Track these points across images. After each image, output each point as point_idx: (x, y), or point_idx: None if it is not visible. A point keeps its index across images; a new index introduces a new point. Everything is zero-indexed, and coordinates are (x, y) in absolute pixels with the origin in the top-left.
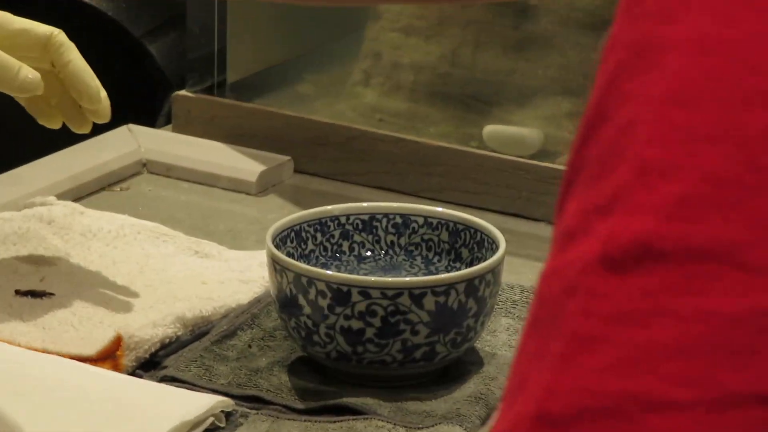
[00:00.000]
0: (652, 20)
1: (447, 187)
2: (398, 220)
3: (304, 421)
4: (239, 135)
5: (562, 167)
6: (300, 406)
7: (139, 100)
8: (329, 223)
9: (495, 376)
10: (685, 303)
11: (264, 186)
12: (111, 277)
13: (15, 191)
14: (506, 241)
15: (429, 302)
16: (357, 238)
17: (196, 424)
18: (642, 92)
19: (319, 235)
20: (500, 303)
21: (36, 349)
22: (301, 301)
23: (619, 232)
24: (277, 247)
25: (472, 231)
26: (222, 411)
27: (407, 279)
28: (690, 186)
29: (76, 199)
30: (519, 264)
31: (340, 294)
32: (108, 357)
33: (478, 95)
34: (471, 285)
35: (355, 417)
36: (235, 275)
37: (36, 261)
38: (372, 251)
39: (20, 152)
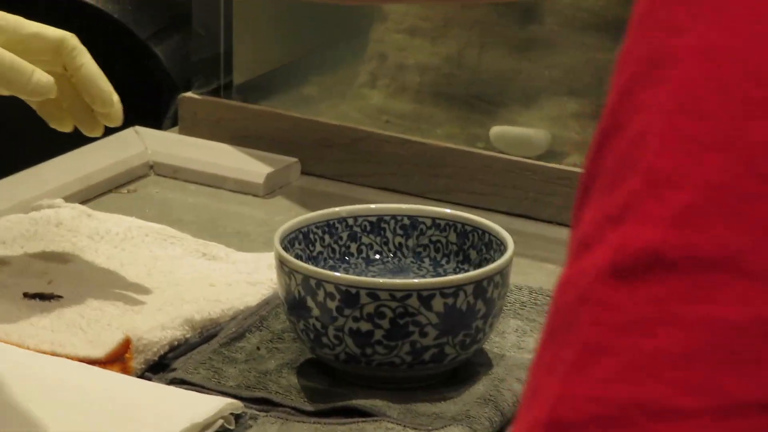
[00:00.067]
0: (662, 32)
1: (454, 189)
2: (406, 221)
3: (314, 423)
4: (246, 137)
5: (569, 168)
6: (309, 408)
7: (144, 102)
8: (337, 224)
9: (504, 378)
10: (691, 311)
11: (271, 188)
12: (119, 279)
13: (22, 193)
14: (514, 242)
15: (438, 304)
16: (365, 239)
17: (206, 426)
18: (652, 103)
19: (327, 236)
20: (508, 304)
21: (44, 352)
22: (310, 303)
23: (629, 241)
24: (285, 249)
25: (480, 232)
26: (231, 413)
27: (416, 281)
28: (697, 195)
29: (84, 202)
30: (526, 265)
31: (349, 296)
32: (116, 359)
33: (483, 96)
34: (479, 286)
35: (364, 419)
36: (243, 277)
37: (44, 263)
38: (380, 253)
39: (27, 155)
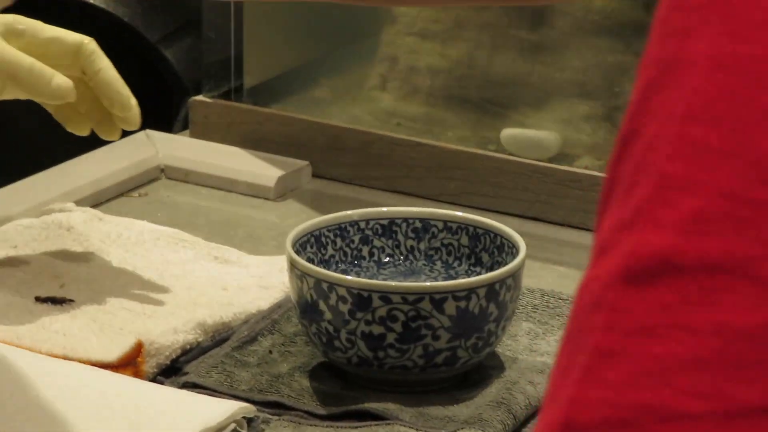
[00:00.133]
0: (676, 37)
1: (465, 191)
2: (418, 224)
3: (326, 426)
4: (257, 140)
5: (580, 170)
6: (322, 411)
7: (154, 106)
8: (349, 228)
9: (516, 381)
10: (699, 316)
11: (282, 191)
12: (131, 283)
13: (33, 198)
14: (525, 244)
15: (450, 307)
16: (377, 243)
17: (218, 430)
18: (664, 108)
19: (338, 240)
20: (520, 307)
21: (56, 356)
22: (322, 306)
23: (640, 247)
24: (297, 252)
25: (492, 235)
26: (243, 417)
27: (428, 284)
28: (707, 201)
29: (95, 206)
30: (538, 267)
31: (361, 299)
32: (129, 363)
33: (494, 99)
34: (492, 289)
35: (376, 422)
36: (255, 281)
37: (55, 268)
38: (392, 256)
39: (38, 159)
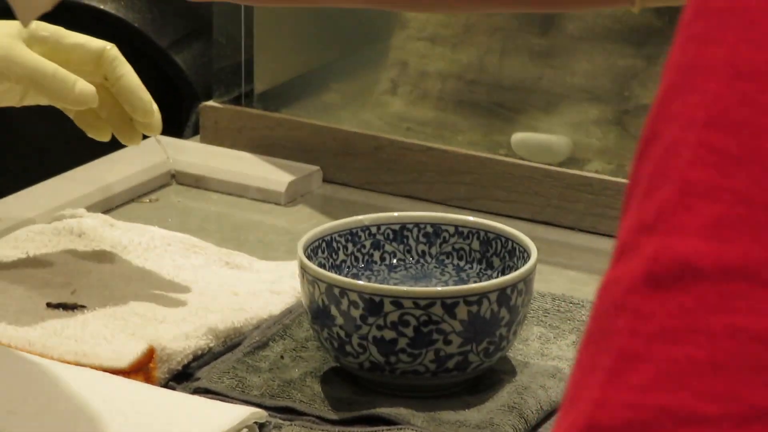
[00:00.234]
0: (696, 43)
1: (476, 196)
2: (429, 229)
3: (338, 431)
4: (267, 145)
5: (590, 174)
6: (333, 416)
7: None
8: (360, 233)
9: (528, 385)
10: (716, 320)
11: (293, 196)
12: (142, 289)
13: (45, 204)
14: (536, 249)
15: (462, 312)
16: (388, 247)
17: None
18: (684, 113)
19: (350, 245)
20: (532, 311)
21: (68, 362)
22: (334, 311)
23: (663, 251)
24: (309, 257)
25: (504, 240)
26: (255, 422)
27: (439, 288)
28: (726, 207)
29: (106, 211)
30: (549, 272)
31: (373, 304)
32: (140, 369)
33: (505, 103)
34: (503, 294)
35: (388, 427)
36: (267, 286)
37: (67, 273)
38: (403, 261)
39: (49, 165)
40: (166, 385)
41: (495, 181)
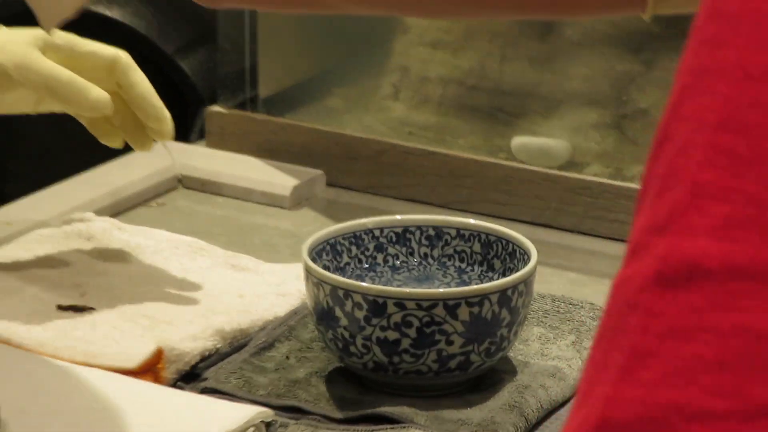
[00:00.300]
0: (709, 46)
1: (477, 199)
2: (431, 232)
3: (343, 430)
4: (272, 149)
5: (589, 178)
6: (338, 415)
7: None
8: (364, 236)
9: (528, 385)
10: (724, 319)
11: (297, 200)
12: (150, 291)
13: (54, 208)
14: (536, 251)
15: (463, 313)
16: (391, 250)
17: None
18: (695, 115)
19: (354, 248)
20: (532, 312)
21: (78, 363)
22: (338, 313)
23: (673, 251)
24: (313, 260)
25: (504, 242)
26: (262, 421)
27: (442, 290)
28: (735, 208)
29: (114, 215)
30: (549, 273)
31: (376, 306)
32: (149, 369)
33: (505, 107)
34: (504, 295)
35: (392, 426)
36: (272, 288)
37: (76, 276)
38: (406, 263)
39: (58, 170)
40: (174, 385)
41: (495, 185)
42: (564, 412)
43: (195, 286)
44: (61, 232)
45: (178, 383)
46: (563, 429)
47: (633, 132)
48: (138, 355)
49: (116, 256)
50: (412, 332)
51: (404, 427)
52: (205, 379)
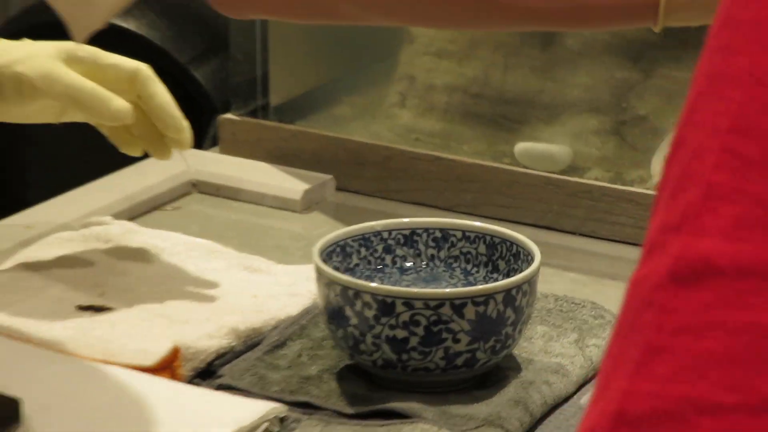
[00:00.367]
0: (722, 53)
1: (481, 203)
2: (438, 234)
3: (354, 425)
4: (283, 155)
5: (590, 182)
6: (349, 410)
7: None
8: (372, 238)
9: (532, 381)
10: (733, 316)
11: (308, 204)
12: (167, 291)
13: (73, 212)
14: (539, 252)
15: (470, 312)
16: (399, 252)
17: (251, 429)
18: (709, 120)
19: (363, 249)
20: (535, 311)
21: (98, 361)
22: (348, 312)
23: (686, 250)
24: (324, 261)
25: (509, 244)
26: (275, 416)
27: (448, 290)
28: (745, 209)
29: (131, 219)
30: (551, 274)
31: (385, 305)
32: (167, 367)
33: (508, 114)
34: (509, 295)
35: (401, 421)
36: (284, 289)
37: (95, 277)
38: (413, 264)
39: (76, 175)
40: (191, 382)
41: (499, 189)
42: (567, 407)
43: (210, 287)
44: (80, 235)
45: (195, 380)
46: (582, 420)
47: (632, 138)
48: (156, 353)
49: (134, 258)
50: (420, 331)
51: (413, 422)
52: (221, 376)
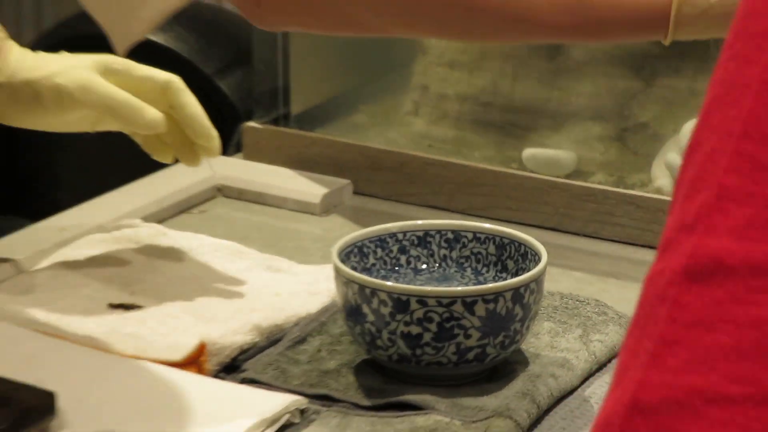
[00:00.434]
0: (736, 62)
1: (491, 205)
2: (450, 235)
3: (370, 416)
4: (303, 161)
5: (594, 185)
6: (366, 403)
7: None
8: (388, 239)
9: (539, 374)
10: (742, 311)
11: (327, 207)
12: (194, 290)
13: (105, 215)
14: (546, 252)
15: (480, 309)
16: (413, 252)
17: (273, 420)
18: (723, 125)
19: (379, 250)
20: (542, 308)
21: (129, 356)
22: (365, 309)
23: (699, 249)
24: (342, 261)
25: (517, 244)
26: (296, 408)
27: (460, 288)
28: (756, 210)
29: (159, 222)
30: (557, 273)
31: (400, 303)
32: (193, 362)
33: (516, 122)
34: (517, 293)
35: (415, 412)
36: (305, 287)
37: (126, 277)
38: (427, 264)
39: (107, 180)
40: (216, 376)
41: (508, 192)
42: (572, 399)
43: (235, 286)
44: (112, 236)
45: (220, 374)
46: (600, 408)
47: (634, 144)
48: (183, 349)
49: (162, 259)
50: (433, 327)
51: (426, 413)
52: (245, 370)
